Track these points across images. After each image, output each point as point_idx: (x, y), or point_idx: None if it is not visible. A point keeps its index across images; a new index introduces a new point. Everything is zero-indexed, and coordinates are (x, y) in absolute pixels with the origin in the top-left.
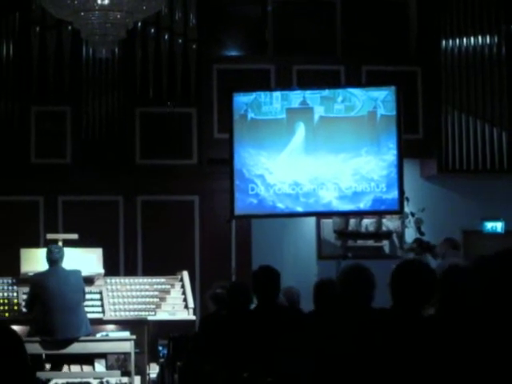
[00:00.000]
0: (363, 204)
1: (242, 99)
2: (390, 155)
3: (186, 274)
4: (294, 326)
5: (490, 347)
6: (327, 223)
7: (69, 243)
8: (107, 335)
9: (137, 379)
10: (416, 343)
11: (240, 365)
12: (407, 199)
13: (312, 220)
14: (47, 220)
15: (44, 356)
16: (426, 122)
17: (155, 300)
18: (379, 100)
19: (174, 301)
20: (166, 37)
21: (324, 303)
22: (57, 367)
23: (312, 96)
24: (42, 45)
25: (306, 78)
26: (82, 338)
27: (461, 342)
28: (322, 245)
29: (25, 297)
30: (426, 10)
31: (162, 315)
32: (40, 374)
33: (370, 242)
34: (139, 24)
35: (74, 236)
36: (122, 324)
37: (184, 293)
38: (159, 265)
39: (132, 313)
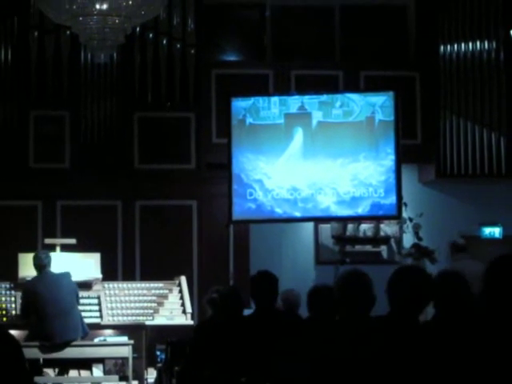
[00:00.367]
0: (361, 209)
1: (240, 104)
2: (388, 160)
3: (183, 279)
4: (291, 331)
5: (487, 352)
6: (325, 228)
7: (67, 248)
8: (105, 340)
9: None
10: (413, 350)
11: (238, 370)
12: (405, 204)
13: (310, 225)
14: (45, 224)
15: (42, 361)
16: (425, 127)
17: (153, 305)
18: (377, 105)
19: (171, 306)
20: (165, 42)
21: (318, 310)
22: (54, 372)
23: (310, 101)
24: (41, 49)
25: (304, 83)
26: (80, 343)
27: (459, 347)
28: (320, 250)
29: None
30: (424, 16)
31: (160, 320)
32: (38, 379)
33: (368, 247)
34: (138, 29)
35: (72, 241)
36: (120, 329)
37: (182, 298)
38: (157, 269)
39: (130, 317)
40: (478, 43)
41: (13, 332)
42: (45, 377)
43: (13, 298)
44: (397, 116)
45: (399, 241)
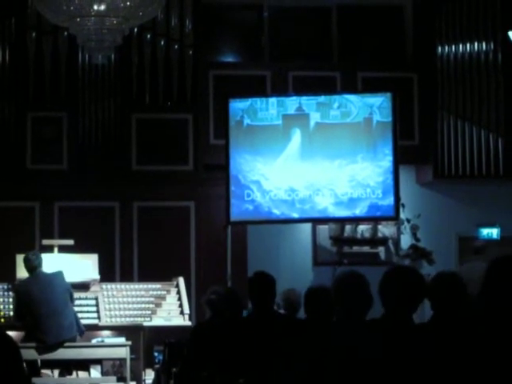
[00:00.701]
0: (359, 210)
1: (238, 105)
2: (386, 161)
3: (181, 280)
4: (289, 333)
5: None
6: (323, 229)
7: (65, 249)
8: (103, 341)
9: None
10: (409, 351)
11: (236, 371)
12: (403, 205)
13: (308, 226)
14: (43, 226)
15: (39, 362)
16: (422, 128)
17: (151, 306)
18: (375, 106)
19: (169, 307)
20: (162, 43)
21: (315, 311)
22: (52, 373)
23: (308, 102)
24: (38, 50)
25: (301, 84)
26: (78, 344)
27: (455, 349)
28: (318, 251)
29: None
30: (421, 16)
31: (158, 321)
32: (36, 380)
33: (366, 249)
34: (135, 30)
35: (70, 242)
36: (118, 330)
37: (180, 299)
38: (155, 271)
39: (128, 319)
40: (476, 44)
41: (10, 333)
42: (43, 378)
43: (10, 299)
44: (394, 117)
45: (397, 242)
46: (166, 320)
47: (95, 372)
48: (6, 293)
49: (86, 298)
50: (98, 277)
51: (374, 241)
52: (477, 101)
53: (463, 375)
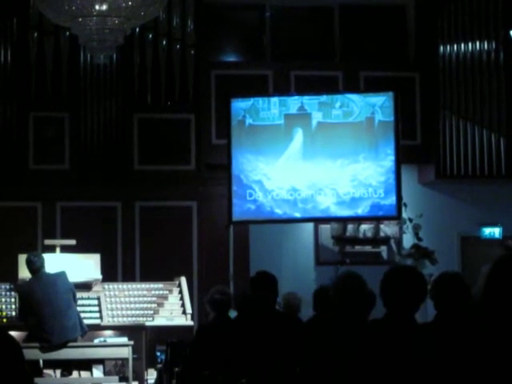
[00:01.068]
0: (361, 210)
1: (239, 105)
2: (388, 161)
3: (183, 280)
4: (291, 332)
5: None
6: (325, 229)
7: (67, 249)
8: (105, 341)
9: None
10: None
11: (237, 371)
12: (405, 205)
13: (310, 226)
14: (45, 226)
15: (42, 362)
16: (424, 127)
17: (153, 306)
18: (377, 106)
19: (171, 306)
20: (164, 42)
21: (324, 309)
22: (54, 373)
23: (310, 102)
24: (40, 50)
25: (303, 83)
26: (80, 344)
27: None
28: (320, 250)
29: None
30: (423, 16)
31: (160, 321)
32: (38, 380)
33: (368, 248)
34: (137, 30)
35: (72, 242)
36: (120, 330)
37: (182, 298)
38: (157, 270)
39: (130, 318)
40: (478, 43)
41: (12, 333)
42: (45, 378)
43: (12, 300)
44: (396, 116)
45: (399, 241)
46: (168, 320)
47: (97, 372)
48: (8, 293)
49: (88, 298)
50: (100, 277)
51: (376, 240)
52: (479, 100)
53: (465, 375)
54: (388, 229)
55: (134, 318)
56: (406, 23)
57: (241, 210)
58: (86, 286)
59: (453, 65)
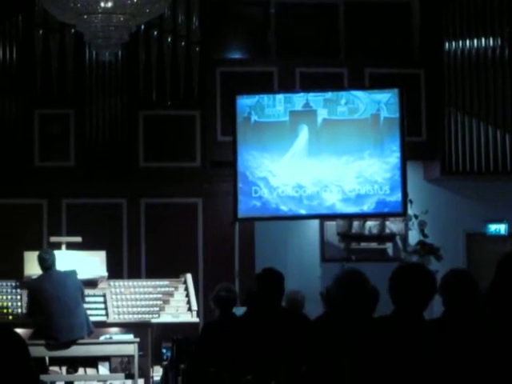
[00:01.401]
0: (367, 206)
1: (245, 102)
2: (394, 158)
3: (189, 277)
4: (296, 329)
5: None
6: (331, 226)
7: (72, 246)
8: (111, 338)
9: (140, 382)
10: (418, 348)
11: (243, 368)
12: (410, 201)
13: (315, 222)
14: (51, 223)
15: (48, 359)
16: (430, 124)
17: (159, 303)
18: (382, 102)
19: (177, 303)
20: (169, 39)
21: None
22: (60, 370)
23: (315, 98)
24: (45, 48)
25: (309, 80)
26: (86, 341)
27: (465, 345)
28: (326, 247)
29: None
30: (429, 12)
31: (166, 318)
32: (44, 377)
33: (374, 245)
34: (142, 27)
35: (78, 239)
36: (126, 327)
37: (187, 295)
38: (163, 267)
39: (136, 315)
40: (483, 40)
41: (18, 330)
42: (51, 375)
43: (18, 297)
44: (402, 113)
45: (404, 238)
46: (173, 317)
47: (103, 369)
48: (14, 290)
49: (94, 295)
50: (105, 274)
51: (382, 237)
52: (484, 97)
53: (473, 372)
54: (393, 225)
55: (139, 315)
56: (411, 20)
57: (246, 206)
58: (92, 283)
59: (458, 61)
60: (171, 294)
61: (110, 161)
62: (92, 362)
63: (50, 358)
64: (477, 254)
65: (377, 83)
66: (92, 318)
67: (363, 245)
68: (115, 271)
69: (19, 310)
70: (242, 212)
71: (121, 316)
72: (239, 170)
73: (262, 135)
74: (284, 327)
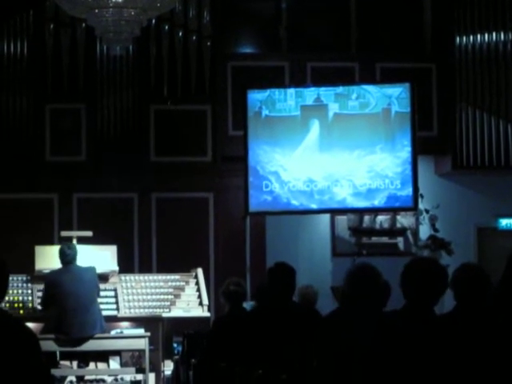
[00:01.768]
0: (378, 201)
1: (256, 96)
2: (405, 152)
3: (200, 271)
4: (308, 324)
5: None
6: (342, 220)
7: (83, 240)
8: (122, 332)
9: (151, 376)
10: (429, 342)
11: (254, 362)
12: (421, 196)
13: (326, 217)
14: (62, 217)
15: (58, 353)
16: (441, 118)
17: (170, 297)
18: (393, 97)
19: (188, 298)
20: (180, 34)
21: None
22: (71, 364)
23: (326, 93)
24: (56, 42)
25: (320, 74)
26: (97, 336)
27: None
28: (337, 242)
29: (39, 294)
30: (440, 6)
31: (177, 312)
32: (55, 371)
33: (385, 239)
34: (153, 21)
35: (89, 233)
36: (137, 321)
37: (198, 290)
38: (174, 262)
39: (146, 310)
40: (494, 34)
41: (30, 324)
42: (62, 369)
43: (29, 291)
44: (413, 108)
45: (415, 232)
46: (184, 311)
47: (114, 363)
48: (25, 284)
49: (105, 290)
50: (116, 268)
51: (393, 231)
52: (495, 91)
53: (483, 366)
54: (404, 220)
55: (150, 310)
56: (423, 14)
57: (257, 201)
58: (103, 278)
59: (469, 56)
60: (182, 289)
61: (121, 155)
62: (103, 356)
63: (61, 353)
64: (488, 249)
65: (388, 77)
66: (103, 313)
67: (374, 239)
68: (126, 265)
69: (30, 305)
70: (253, 206)
71: (132, 310)
72: (250, 165)
73: (273, 130)
74: (295, 322)
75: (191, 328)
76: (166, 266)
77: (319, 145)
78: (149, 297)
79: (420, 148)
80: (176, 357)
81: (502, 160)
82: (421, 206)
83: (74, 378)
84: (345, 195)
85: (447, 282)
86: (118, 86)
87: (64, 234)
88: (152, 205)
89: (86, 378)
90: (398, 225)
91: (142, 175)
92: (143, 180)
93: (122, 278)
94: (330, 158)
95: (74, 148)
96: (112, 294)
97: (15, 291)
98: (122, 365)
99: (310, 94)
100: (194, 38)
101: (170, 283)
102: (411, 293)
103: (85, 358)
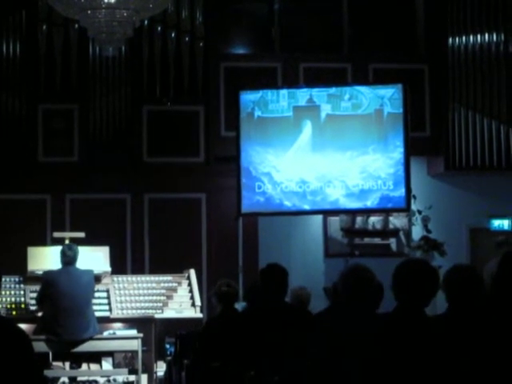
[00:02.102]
0: (370, 202)
1: (248, 97)
2: (397, 153)
3: (192, 272)
4: (300, 325)
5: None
6: (334, 221)
7: (76, 241)
8: (114, 333)
9: (144, 377)
10: (421, 344)
11: (246, 363)
12: (414, 197)
13: (319, 218)
14: (54, 218)
15: (51, 354)
16: (433, 119)
17: (162, 298)
18: (386, 98)
19: (180, 299)
20: (173, 35)
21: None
22: (63, 365)
23: (319, 94)
24: (49, 43)
25: (312, 75)
26: (90, 337)
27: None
28: (329, 243)
29: (32, 295)
30: (433, 7)
31: (169, 313)
32: (47, 372)
33: (377, 240)
34: (146, 22)
35: (81, 234)
36: (129, 322)
37: (191, 291)
38: (166, 263)
39: (139, 311)
40: (487, 35)
41: (22, 325)
42: (54, 370)
43: (22, 292)
44: (405, 108)
45: (408, 233)
46: (177, 312)
47: (107, 364)
48: (17, 285)
49: (98, 291)
50: (109, 269)
51: (386, 232)
52: (488, 92)
53: (476, 367)
54: (397, 221)
55: (143, 311)
56: (416, 15)
57: (250, 202)
58: (96, 279)
59: (462, 56)
60: (175, 290)
61: (114, 156)
62: (95, 357)
63: (54, 354)
64: (480, 250)
65: (380, 78)
66: (96, 314)
67: (367, 240)
68: (119, 266)
69: (23, 306)
70: (246, 207)
71: (124, 311)
72: (243, 166)
73: (266, 130)
74: (287, 322)
75: (184, 329)
76: (159, 266)
77: (312, 146)
78: (141, 298)
79: (412, 149)
80: (168, 358)
81: (494, 161)
82: (413, 206)
83: (66, 379)
84: (337, 196)
85: (438, 283)
86: (111, 86)
87: (56, 234)
88: (144, 205)
89: (79, 379)
90: (391, 226)
91: (135, 176)
92: (136, 181)
93: (115, 278)
94: (323, 158)
95: (66, 148)
96: (104, 294)
97: (7, 292)
98: (115, 366)
99: (303, 94)
100: (187, 38)
101: (162, 284)
102: (402, 294)
103: (77, 359)
